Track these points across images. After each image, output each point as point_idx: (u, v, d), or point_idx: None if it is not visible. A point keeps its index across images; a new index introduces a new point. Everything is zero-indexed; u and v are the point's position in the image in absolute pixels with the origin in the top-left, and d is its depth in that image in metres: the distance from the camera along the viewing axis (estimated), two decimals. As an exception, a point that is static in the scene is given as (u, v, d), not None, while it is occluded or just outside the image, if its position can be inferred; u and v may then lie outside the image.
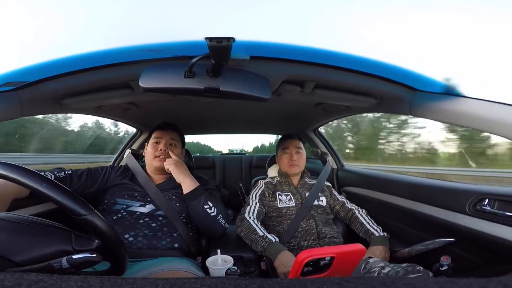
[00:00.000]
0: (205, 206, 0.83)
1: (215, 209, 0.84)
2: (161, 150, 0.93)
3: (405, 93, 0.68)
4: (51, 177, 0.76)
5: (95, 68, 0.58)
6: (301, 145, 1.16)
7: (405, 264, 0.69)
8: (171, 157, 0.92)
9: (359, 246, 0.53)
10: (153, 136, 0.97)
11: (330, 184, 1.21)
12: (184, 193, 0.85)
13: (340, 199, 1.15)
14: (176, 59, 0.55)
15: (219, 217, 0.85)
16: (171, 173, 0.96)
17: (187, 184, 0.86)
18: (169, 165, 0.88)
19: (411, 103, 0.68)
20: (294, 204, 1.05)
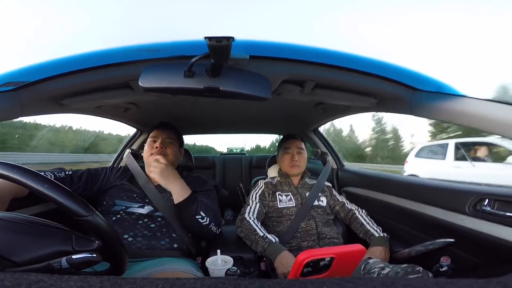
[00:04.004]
0: (197, 217, 0.81)
1: (207, 219, 0.83)
2: (156, 148, 0.93)
3: (405, 93, 0.68)
4: (51, 177, 0.76)
5: (95, 68, 0.58)
6: (303, 145, 1.16)
7: (404, 265, 0.69)
8: (165, 156, 0.91)
9: (359, 246, 0.53)
10: (150, 135, 0.98)
11: (330, 184, 1.21)
12: (175, 203, 0.81)
13: (340, 200, 1.15)
14: (176, 59, 0.55)
15: (211, 225, 0.84)
16: None
17: (177, 192, 0.81)
18: (153, 174, 0.82)
19: (411, 102, 0.68)
20: (294, 204, 1.05)
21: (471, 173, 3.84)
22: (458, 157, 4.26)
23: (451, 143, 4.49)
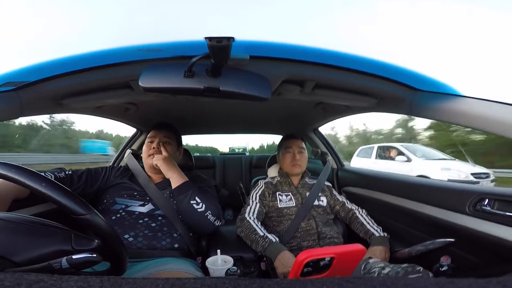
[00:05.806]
0: (192, 202, 0.81)
1: (203, 205, 0.82)
2: (154, 148, 0.93)
3: (405, 93, 0.68)
4: (51, 177, 0.76)
5: (95, 68, 0.58)
6: (304, 145, 1.16)
7: (405, 265, 0.69)
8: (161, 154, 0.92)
9: (359, 246, 0.53)
10: (148, 136, 0.99)
11: (330, 184, 1.21)
12: (172, 188, 0.85)
13: (340, 199, 1.15)
14: (176, 59, 0.55)
15: (207, 213, 0.82)
16: None
17: (175, 179, 0.86)
18: (157, 161, 0.89)
19: (412, 103, 0.68)
20: (294, 204, 1.05)
21: (382, 167, 5.50)
22: (378, 157, 6.07)
23: (376, 146, 6.33)
